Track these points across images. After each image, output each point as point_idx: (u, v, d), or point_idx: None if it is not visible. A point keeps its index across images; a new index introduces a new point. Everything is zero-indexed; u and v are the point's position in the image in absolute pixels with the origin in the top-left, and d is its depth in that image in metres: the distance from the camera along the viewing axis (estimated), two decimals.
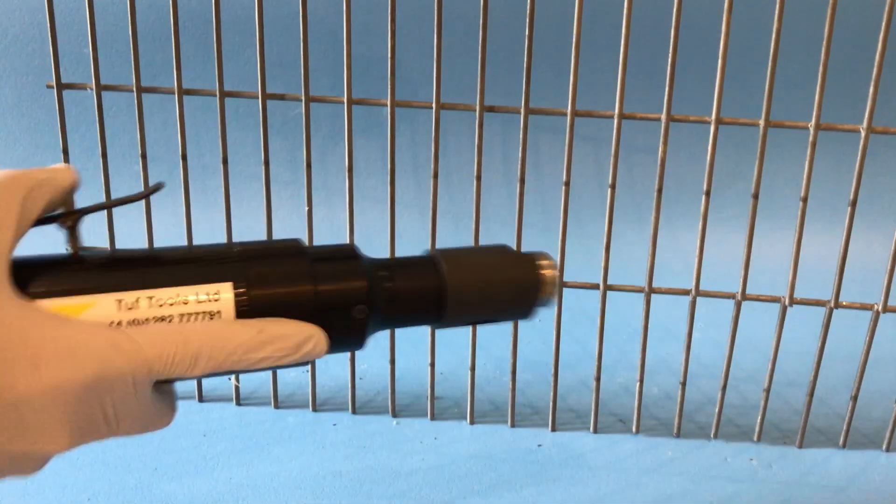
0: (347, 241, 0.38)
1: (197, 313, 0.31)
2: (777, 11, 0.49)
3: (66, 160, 0.57)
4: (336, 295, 0.34)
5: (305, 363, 0.33)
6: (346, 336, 0.35)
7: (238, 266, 0.32)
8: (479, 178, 0.54)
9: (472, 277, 0.39)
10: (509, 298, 0.40)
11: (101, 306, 0.30)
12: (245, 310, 0.32)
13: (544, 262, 0.41)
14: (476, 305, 0.39)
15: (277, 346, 0.31)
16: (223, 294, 0.31)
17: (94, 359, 0.27)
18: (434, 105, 0.53)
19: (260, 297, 0.32)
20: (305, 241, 0.44)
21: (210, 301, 0.31)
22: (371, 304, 0.35)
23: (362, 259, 0.36)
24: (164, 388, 0.31)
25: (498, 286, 0.40)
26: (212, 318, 0.31)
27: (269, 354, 0.31)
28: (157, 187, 0.34)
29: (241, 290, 0.32)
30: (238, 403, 0.63)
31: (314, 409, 0.63)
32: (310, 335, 0.32)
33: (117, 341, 0.28)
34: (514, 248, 0.40)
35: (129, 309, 0.30)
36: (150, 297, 0.30)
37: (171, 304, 0.31)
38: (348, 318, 0.34)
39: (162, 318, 0.30)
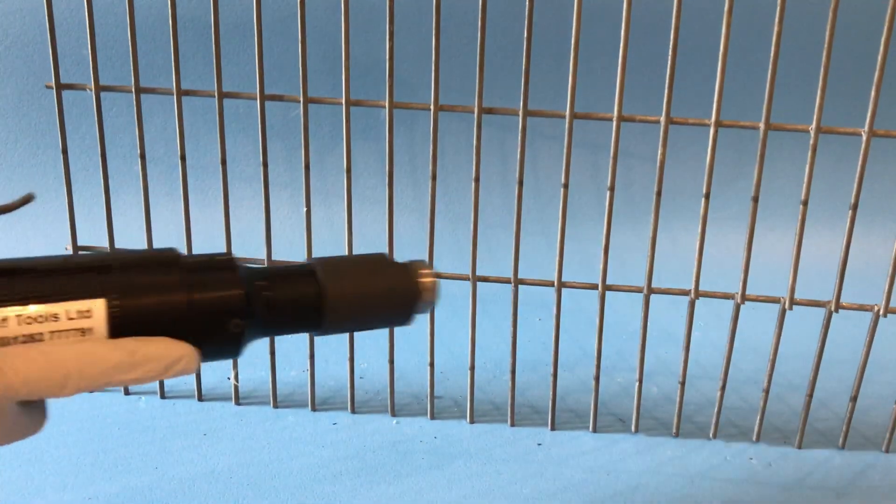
0: (226, 252, 0.38)
1: (68, 330, 0.31)
2: (778, 14, 0.49)
3: (66, 160, 0.57)
4: (211, 305, 0.34)
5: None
6: (222, 346, 0.35)
7: (112, 278, 0.32)
8: (477, 179, 0.53)
9: (350, 286, 0.40)
10: (387, 306, 0.41)
11: None
12: (118, 322, 0.32)
13: (423, 271, 0.42)
14: (355, 313, 0.40)
15: (148, 367, 0.31)
16: (95, 311, 0.31)
17: None
18: (432, 107, 0.53)
19: (133, 309, 0.32)
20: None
21: (81, 318, 0.31)
22: (248, 314, 0.35)
23: (239, 269, 0.36)
24: (33, 402, 0.31)
25: (376, 294, 0.41)
26: (83, 335, 0.31)
27: (139, 376, 0.31)
28: (27, 199, 0.34)
29: (115, 303, 0.32)
30: (237, 403, 0.63)
31: (313, 409, 0.63)
32: (180, 356, 0.32)
33: None
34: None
35: None
36: (19, 315, 0.30)
37: (41, 322, 0.30)
38: (223, 331, 0.35)
39: (31, 337, 0.30)
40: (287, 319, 0.38)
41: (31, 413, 0.31)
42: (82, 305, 0.31)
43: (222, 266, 0.36)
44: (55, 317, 0.30)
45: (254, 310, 0.36)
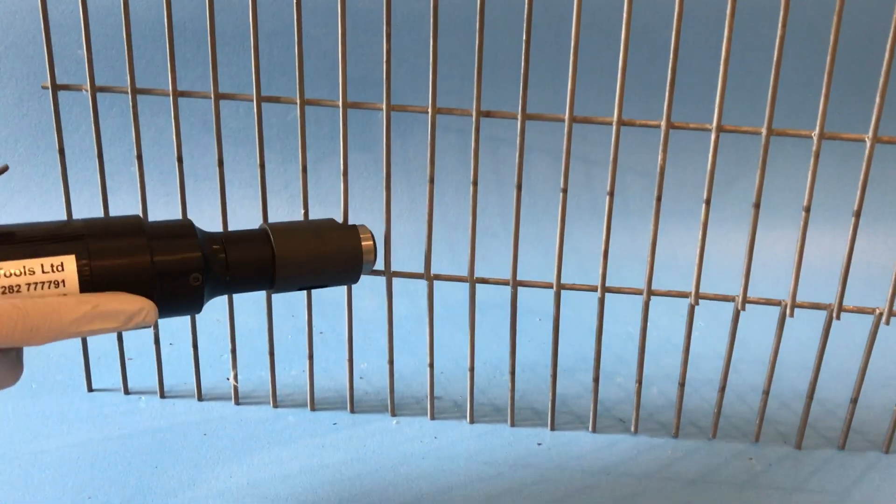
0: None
1: (43, 282, 0.35)
2: (781, 17, 0.48)
3: (63, 161, 0.57)
4: (172, 265, 0.38)
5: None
6: (183, 302, 0.39)
7: (82, 241, 0.36)
8: (475, 183, 0.53)
9: (300, 246, 0.44)
10: (335, 265, 0.46)
11: None
12: (87, 279, 0.36)
13: (366, 234, 0.47)
14: (304, 271, 0.45)
15: (110, 319, 0.35)
16: (67, 265, 0.35)
17: None
18: (430, 109, 0.52)
19: (101, 268, 0.36)
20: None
21: (55, 272, 0.35)
22: (206, 273, 0.39)
23: (198, 233, 0.40)
24: (7, 352, 0.34)
25: (323, 254, 0.45)
26: (57, 287, 0.35)
27: (102, 326, 0.35)
28: (2, 170, 0.38)
29: (84, 261, 0.35)
30: (237, 403, 0.63)
31: (312, 409, 0.63)
32: (140, 308, 0.36)
33: None
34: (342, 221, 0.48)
35: None
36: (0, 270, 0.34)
37: (19, 275, 0.34)
38: (185, 286, 0.39)
39: (10, 288, 0.34)
40: (242, 278, 0.43)
41: (5, 363, 0.34)
42: (56, 260, 0.35)
43: (182, 231, 0.40)
44: (31, 271, 0.34)
45: (211, 270, 0.40)
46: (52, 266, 0.35)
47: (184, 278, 0.38)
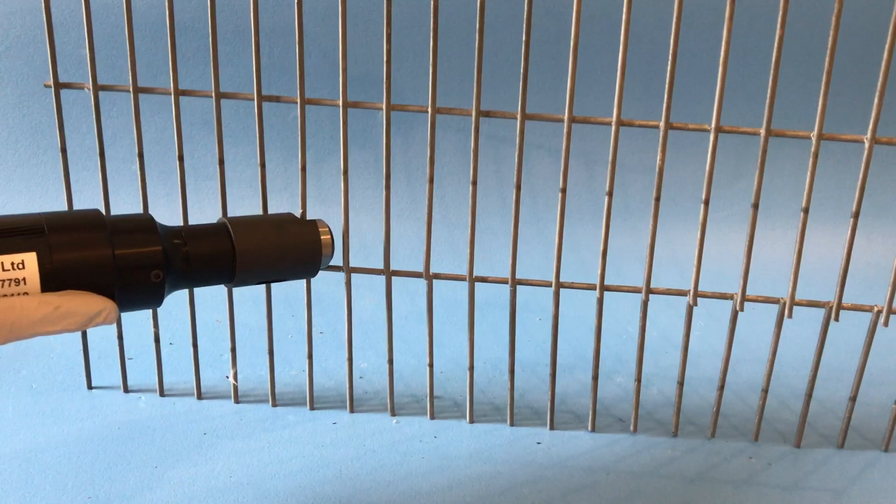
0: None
1: (4, 280, 0.34)
2: (780, 18, 0.48)
3: (65, 159, 0.57)
4: (133, 260, 0.38)
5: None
6: (145, 296, 0.39)
7: (42, 235, 0.36)
8: (474, 183, 0.53)
9: (260, 240, 0.45)
10: (294, 258, 0.46)
11: None
12: (49, 275, 0.36)
13: (324, 227, 0.48)
14: (264, 265, 0.45)
15: (71, 320, 0.35)
16: (28, 263, 0.35)
17: None
18: (430, 109, 0.52)
19: (62, 263, 0.36)
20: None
21: (15, 269, 0.35)
22: (167, 268, 0.40)
23: (158, 227, 0.40)
24: None
25: (283, 248, 0.46)
26: (18, 284, 0.35)
27: (63, 327, 0.35)
28: None
29: (45, 257, 0.35)
30: (237, 401, 0.63)
31: (312, 408, 0.63)
32: (101, 308, 0.36)
33: None
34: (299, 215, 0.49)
35: None
36: None
37: None
38: (146, 281, 0.39)
39: None
40: (202, 272, 0.43)
41: None
42: (17, 258, 0.35)
43: (142, 226, 0.40)
44: None
45: (172, 264, 0.41)
46: (12, 264, 0.35)
47: (145, 273, 0.39)
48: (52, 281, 0.36)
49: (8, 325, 0.33)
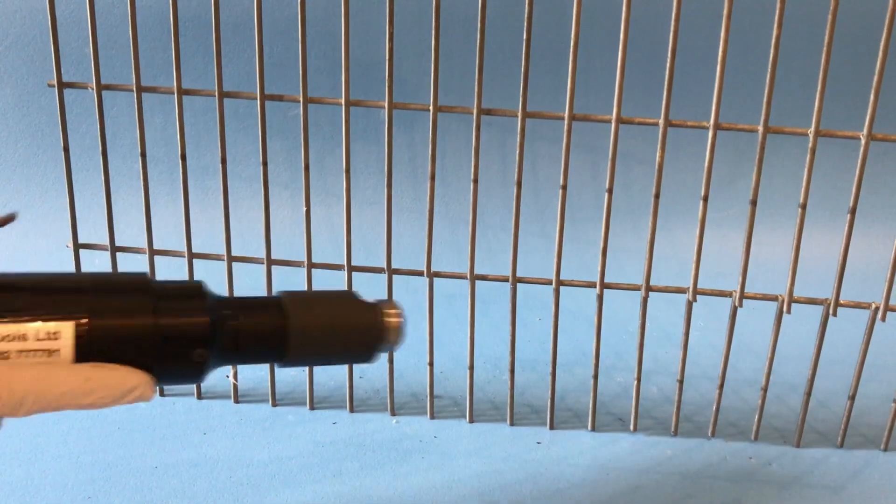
0: (199, 279, 0.39)
1: (35, 350, 0.31)
2: (777, 16, 0.49)
3: (67, 157, 0.57)
4: (176, 330, 0.35)
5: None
6: (185, 373, 0.36)
7: (83, 298, 0.33)
8: (475, 181, 0.53)
9: (315, 320, 0.40)
10: (350, 343, 0.41)
11: None
12: (84, 342, 0.32)
13: (390, 311, 0.42)
14: (318, 348, 0.40)
15: (102, 394, 0.32)
16: (63, 333, 0.32)
17: None
18: (431, 108, 0.53)
19: (101, 331, 0.33)
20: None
21: (49, 339, 0.32)
22: (212, 342, 0.36)
23: (208, 296, 0.37)
24: None
25: (340, 330, 0.41)
26: (50, 356, 0.31)
27: (94, 401, 0.32)
28: (10, 218, 0.36)
29: (83, 323, 0.32)
30: (236, 401, 0.63)
31: (311, 408, 0.63)
32: (135, 385, 0.33)
33: None
34: (363, 294, 0.44)
35: None
36: None
37: (10, 341, 0.31)
38: (187, 359, 0.35)
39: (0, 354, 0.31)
40: (250, 350, 0.39)
41: None
42: (52, 327, 0.32)
43: (191, 293, 0.36)
44: (24, 336, 0.31)
45: (218, 338, 0.37)
46: (47, 333, 0.32)
47: (189, 346, 0.35)
48: (87, 350, 0.33)
49: (33, 395, 0.30)
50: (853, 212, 0.53)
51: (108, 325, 0.33)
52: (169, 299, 0.35)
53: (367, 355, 0.43)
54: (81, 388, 0.31)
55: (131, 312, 0.34)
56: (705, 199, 0.53)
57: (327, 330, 0.41)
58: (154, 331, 0.34)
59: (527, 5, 0.50)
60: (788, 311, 0.56)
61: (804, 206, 0.53)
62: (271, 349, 0.39)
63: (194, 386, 0.63)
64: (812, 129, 0.52)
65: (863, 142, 0.52)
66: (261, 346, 0.39)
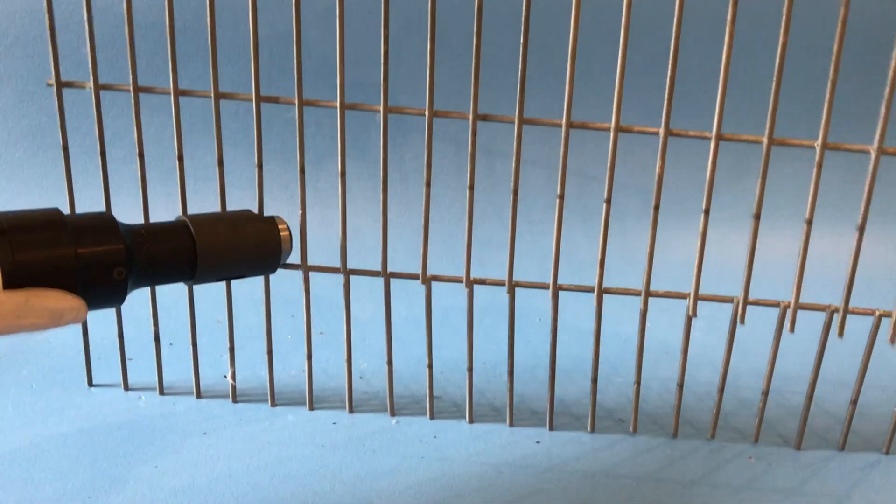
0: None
1: None
2: (783, 24, 0.48)
3: (67, 157, 0.57)
4: (96, 258, 0.38)
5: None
6: (107, 294, 0.39)
7: (4, 235, 0.36)
8: (471, 187, 0.53)
9: (220, 238, 0.45)
10: (253, 255, 0.47)
11: None
12: (12, 274, 0.35)
13: (282, 224, 0.49)
14: (225, 262, 0.46)
15: (39, 316, 0.35)
16: None
17: None
18: (427, 112, 0.52)
19: (25, 263, 0.36)
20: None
21: None
22: (129, 265, 0.40)
23: (120, 225, 0.41)
24: None
25: (243, 245, 0.46)
26: None
27: (32, 322, 0.35)
28: None
29: (6, 257, 0.35)
30: (235, 401, 0.63)
31: (311, 409, 0.63)
32: (70, 307, 0.36)
33: None
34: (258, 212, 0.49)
35: None
36: None
37: None
38: (109, 279, 0.39)
39: None
40: (164, 269, 0.43)
41: None
42: None
43: (104, 224, 0.40)
44: None
45: (134, 262, 0.41)
46: None
47: (108, 271, 0.39)
48: (14, 280, 0.36)
49: None
50: (862, 229, 0.52)
51: (32, 258, 0.36)
52: (85, 231, 0.39)
53: (270, 266, 0.48)
54: (21, 310, 0.34)
55: (52, 245, 0.37)
56: (706, 211, 0.52)
57: (232, 245, 0.46)
58: (75, 260, 0.38)
59: (524, 10, 0.49)
60: (792, 331, 0.55)
61: (810, 222, 0.52)
62: (183, 269, 0.44)
63: (193, 385, 0.63)
64: (819, 141, 0.50)
65: (873, 155, 0.50)
66: (173, 267, 0.44)
